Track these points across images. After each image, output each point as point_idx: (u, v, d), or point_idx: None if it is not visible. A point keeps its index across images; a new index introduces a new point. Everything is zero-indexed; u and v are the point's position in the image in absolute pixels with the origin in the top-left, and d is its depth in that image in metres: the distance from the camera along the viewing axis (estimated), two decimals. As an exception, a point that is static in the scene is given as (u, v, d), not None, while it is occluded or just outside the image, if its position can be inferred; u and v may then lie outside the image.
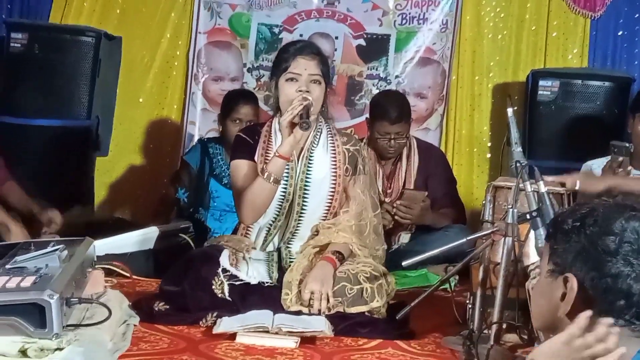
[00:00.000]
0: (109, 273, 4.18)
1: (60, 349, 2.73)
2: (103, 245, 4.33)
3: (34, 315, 2.74)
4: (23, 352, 2.70)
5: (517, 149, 3.69)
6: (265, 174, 3.91)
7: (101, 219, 5.62)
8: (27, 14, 6.34)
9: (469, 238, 3.71)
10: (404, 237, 5.19)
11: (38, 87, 5.62)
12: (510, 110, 3.86)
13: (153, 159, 6.41)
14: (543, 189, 3.46)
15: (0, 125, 5.61)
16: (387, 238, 4.63)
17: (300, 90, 3.96)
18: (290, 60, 4.02)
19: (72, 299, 2.91)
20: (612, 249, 1.94)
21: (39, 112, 5.66)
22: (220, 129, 5.52)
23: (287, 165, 4.02)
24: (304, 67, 4.00)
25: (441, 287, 4.38)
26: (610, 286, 1.94)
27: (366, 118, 5.42)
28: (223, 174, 5.37)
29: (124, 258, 4.46)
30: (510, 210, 3.45)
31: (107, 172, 6.38)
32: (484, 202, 3.90)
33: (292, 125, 3.90)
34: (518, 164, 3.57)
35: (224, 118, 5.46)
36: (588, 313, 1.94)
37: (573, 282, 1.97)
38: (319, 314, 3.71)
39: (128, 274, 4.35)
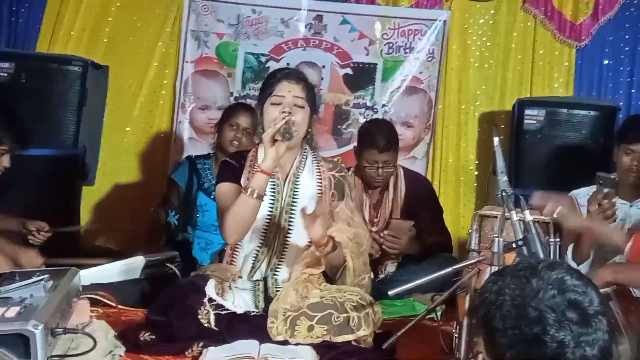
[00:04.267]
0: (94, 303, 4.14)
1: (44, 380, 2.72)
2: (89, 275, 4.32)
3: (19, 346, 2.73)
4: (7, 384, 2.69)
5: (503, 178, 3.69)
6: (249, 190, 3.89)
7: (87, 248, 5.58)
8: (15, 42, 6.34)
9: (454, 267, 3.70)
10: (391, 267, 5.19)
11: (25, 116, 5.57)
12: (496, 140, 3.87)
13: (140, 187, 6.40)
14: (529, 217, 3.46)
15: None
16: (373, 267, 4.64)
17: (283, 112, 3.97)
18: (276, 85, 4.06)
19: (57, 329, 2.91)
20: (536, 332, 1.91)
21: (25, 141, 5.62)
22: (216, 136, 5.51)
23: (273, 188, 4.03)
24: (287, 89, 4.03)
25: (427, 317, 4.39)
26: None
27: (354, 147, 5.43)
28: (212, 187, 5.34)
29: (109, 288, 4.43)
30: (496, 239, 3.45)
31: (93, 200, 6.36)
32: (470, 231, 3.91)
33: (274, 141, 3.90)
34: (504, 193, 3.58)
35: (221, 124, 5.48)
36: None
37: None
38: None
39: (114, 304, 4.32)
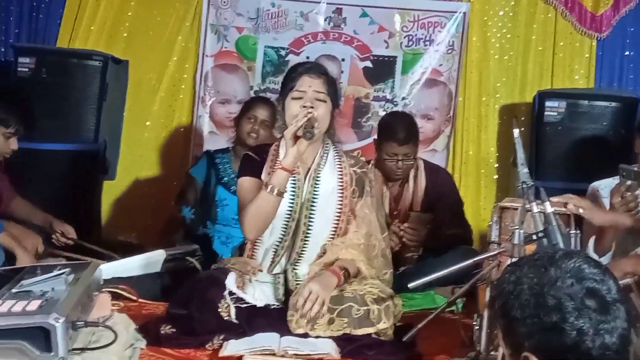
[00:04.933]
0: (115, 297, 4.15)
1: (66, 373, 2.73)
2: (109, 269, 4.33)
3: (40, 339, 2.74)
4: (28, 376, 2.70)
5: (524, 170, 3.68)
6: (269, 187, 3.90)
7: (108, 242, 5.59)
8: (35, 38, 6.37)
9: (475, 259, 3.71)
10: (411, 260, 5.19)
11: (45, 111, 5.60)
12: (516, 131, 3.86)
13: (160, 182, 6.42)
14: (549, 209, 3.45)
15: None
16: (393, 260, 4.62)
17: (304, 106, 3.97)
18: (297, 80, 4.04)
19: (78, 322, 2.92)
20: (555, 320, 1.90)
21: (46, 136, 5.64)
22: (235, 130, 5.52)
23: (294, 183, 4.03)
24: (309, 84, 4.01)
25: (448, 309, 4.39)
26: (568, 351, 1.92)
27: (374, 139, 5.42)
28: (231, 182, 5.36)
29: (130, 282, 4.44)
30: (517, 231, 3.44)
31: (114, 194, 6.38)
32: (490, 223, 3.90)
33: (296, 137, 3.90)
34: (524, 185, 3.57)
35: (239, 118, 5.50)
36: None
37: None
38: (306, 317, 3.72)
39: (135, 298, 4.33)
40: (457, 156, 6.42)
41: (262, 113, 5.41)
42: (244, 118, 5.45)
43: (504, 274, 2.07)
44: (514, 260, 3.43)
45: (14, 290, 3.08)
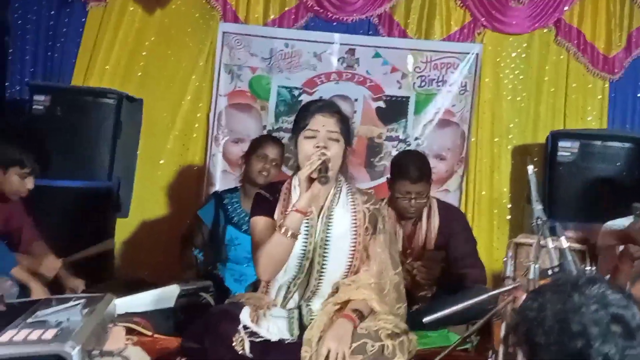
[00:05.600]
0: (129, 332, 4.14)
1: (82, 402, 2.72)
2: (124, 304, 4.33)
3: (56, 366, 2.73)
4: (45, 405, 2.69)
5: (538, 207, 3.69)
6: (283, 229, 3.89)
7: (121, 279, 5.60)
8: (50, 77, 6.43)
9: (490, 294, 3.70)
10: (424, 298, 5.17)
11: (60, 148, 5.62)
12: (530, 168, 3.87)
13: (173, 220, 6.42)
14: (565, 244, 3.44)
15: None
16: (407, 298, 4.60)
17: (317, 147, 3.96)
18: (309, 118, 4.03)
19: (93, 352, 2.90)
20: (580, 346, 1.91)
21: (60, 173, 5.65)
22: (243, 168, 5.51)
23: (307, 223, 4.01)
24: (322, 124, 4.01)
25: (462, 348, 4.39)
26: None
27: (387, 178, 5.43)
28: (242, 221, 5.37)
29: (144, 316, 4.44)
30: (532, 265, 3.43)
31: (127, 232, 6.40)
32: (505, 259, 3.91)
33: (310, 180, 3.90)
34: (539, 220, 3.57)
35: (249, 155, 5.47)
36: None
37: None
38: None
39: (149, 332, 4.31)
40: (470, 196, 6.43)
41: (272, 152, 5.41)
42: (253, 156, 5.44)
43: (525, 301, 2.06)
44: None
45: (29, 321, 3.07)
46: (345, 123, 4.13)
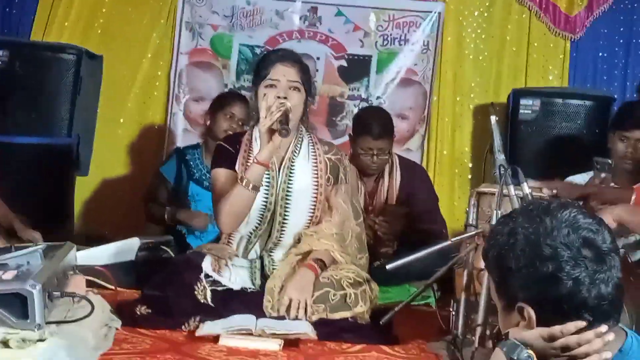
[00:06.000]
0: (90, 285, 4.09)
1: (43, 340, 2.69)
2: (83, 256, 4.26)
3: (16, 305, 2.71)
4: (4, 343, 2.66)
5: (501, 156, 3.70)
6: (244, 181, 3.88)
7: (80, 236, 5.55)
8: (9, 31, 6.32)
9: (453, 240, 3.72)
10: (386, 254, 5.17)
11: (19, 105, 5.56)
12: (493, 118, 3.88)
13: (133, 179, 6.36)
14: (527, 190, 3.47)
15: (-20, 143, 5.57)
16: (370, 255, 4.60)
17: (278, 97, 3.94)
18: (270, 68, 4.02)
19: (54, 292, 2.88)
20: (552, 269, 1.91)
21: (19, 129, 5.59)
22: (208, 123, 5.46)
23: (268, 174, 4.00)
24: (282, 73, 4.00)
25: (423, 303, 4.39)
26: (563, 301, 1.92)
27: (349, 134, 5.42)
28: (204, 177, 5.35)
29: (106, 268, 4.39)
30: (495, 212, 3.45)
31: (87, 191, 6.34)
32: (467, 209, 3.90)
33: (271, 131, 3.88)
34: (502, 168, 3.58)
35: (215, 112, 5.42)
36: (580, 324, 1.92)
37: (529, 311, 1.94)
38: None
39: (112, 286, 4.25)
40: (432, 155, 6.43)
41: (239, 111, 5.37)
42: (220, 114, 5.39)
43: (496, 226, 2.06)
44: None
45: (-12, 264, 3.04)
46: (306, 72, 4.12)
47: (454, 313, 3.68)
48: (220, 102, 5.50)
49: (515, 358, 1.91)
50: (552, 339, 1.93)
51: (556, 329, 1.92)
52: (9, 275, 2.83)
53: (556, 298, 1.91)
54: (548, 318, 1.93)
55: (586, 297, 1.90)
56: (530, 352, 1.91)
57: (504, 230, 1.99)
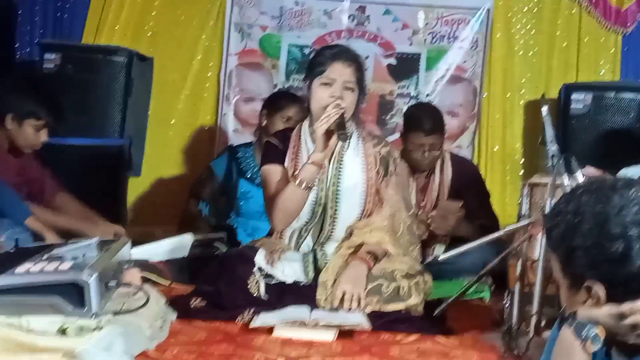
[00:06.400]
0: (144, 282, 4.11)
1: (100, 329, 2.72)
2: (137, 253, 4.32)
3: (73, 295, 2.74)
4: (62, 331, 2.70)
5: (553, 146, 3.68)
6: (297, 181, 3.90)
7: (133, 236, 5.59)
8: (61, 35, 6.38)
9: (507, 229, 3.70)
10: (439, 249, 5.14)
11: (71, 107, 5.60)
12: (544, 109, 3.86)
13: (185, 180, 6.38)
14: (581, 179, 3.44)
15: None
16: (421, 250, 4.59)
17: (333, 96, 3.94)
18: (327, 65, 4.01)
19: (110, 283, 2.90)
20: (621, 249, 1.88)
21: (72, 131, 5.63)
22: (264, 123, 5.43)
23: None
24: (339, 73, 3.98)
25: (477, 297, 4.38)
26: (632, 280, 1.89)
27: (400, 131, 5.41)
28: (255, 175, 5.34)
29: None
30: (548, 200, 3.42)
31: (138, 192, 6.39)
32: (520, 200, 3.88)
33: (328, 133, 3.88)
34: (554, 159, 3.56)
35: (272, 113, 5.38)
36: None
37: (598, 290, 1.92)
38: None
39: (166, 282, 4.29)
40: (482, 152, 6.40)
41: (296, 114, 5.34)
42: (277, 116, 5.34)
43: (558, 204, 2.03)
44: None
45: (45, 257, 3.08)
46: (361, 72, 4.12)
47: (507, 304, 3.66)
48: (277, 104, 5.45)
49: (584, 337, 1.88)
50: (621, 317, 1.90)
51: (625, 306, 1.90)
52: (65, 265, 2.86)
53: (625, 277, 1.88)
54: (616, 296, 1.91)
55: None
56: (599, 330, 1.89)
57: (568, 208, 1.96)
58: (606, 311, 1.91)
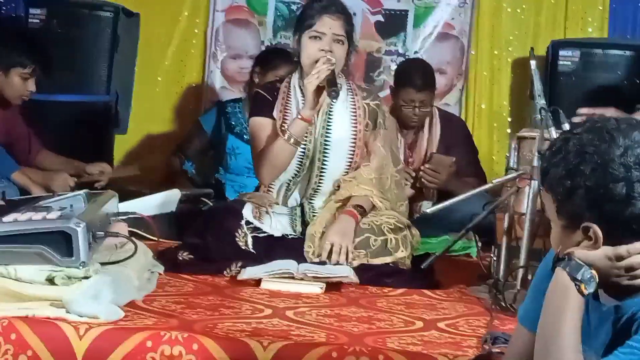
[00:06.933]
0: (131, 236, 4.10)
1: (87, 278, 2.72)
2: (125, 207, 4.28)
3: (61, 243, 2.73)
4: (50, 280, 2.70)
5: (541, 101, 3.68)
6: (286, 135, 3.89)
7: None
8: (44, -7, 6.32)
9: (495, 182, 3.71)
10: (426, 205, 5.13)
11: (57, 63, 5.55)
12: (533, 63, 3.87)
13: (172, 137, 6.36)
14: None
15: (19, 101, 5.59)
16: (409, 209, 4.58)
17: (322, 50, 3.93)
18: (316, 18, 3.99)
19: (98, 233, 2.89)
20: (625, 190, 1.85)
21: (57, 87, 5.58)
22: (257, 80, 5.35)
23: (307, 123, 4.00)
24: (328, 26, 3.97)
25: (464, 253, 4.39)
26: (633, 221, 1.88)
27: (390, 86, 5.39)
28: (244, 130, 5.32)
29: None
30: (537, 154, 3.43)
31: (125, 149, 6.36)
32: (507, 153, 3.89)
33: (318, 89, 3.87)
34: (542, 111, 3.56)
35: (265, 72, 5.33)
36: None
37: (596, 230, 1.90)
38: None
39: (154, 236, 4.27)
40: (470, 110, 6.37)
41: (288, 73, 5.27)
42: (269, 75, 5.24)
43: (557, 141, 2.00)
44: (535, 186, 3.43)
45: (33, 207, 3.06)
46: (350, 24, 4.11)
47: (495, 258, 3.67)
48: (271, 62, 5.38)
49: (579, 278, 1.88)
50: (618, 258, 1.89)
51: (623, 248, 1.89)
52: (53, 215, 2.86)
53: (626, 218, 1.86)
54: (614, 238, 1.89)
55: None
56: (594, 272, 1.89)
57: (569, 147, 1.93)
58: (603, 252, 1.90)
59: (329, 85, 3.83)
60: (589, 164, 1.88)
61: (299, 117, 3.91)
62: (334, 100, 3.95)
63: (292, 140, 3.89)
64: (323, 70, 3.85)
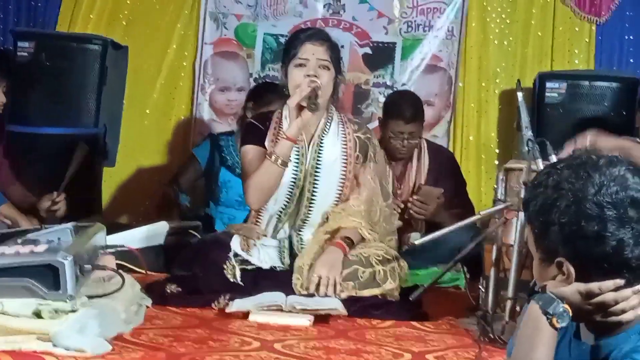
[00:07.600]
0: (119, 269, 4.08)
1: (75, 311, 2.71)
2: (113, 240, 4.28)
3: (48, 277, 2.73)
4: (37, 314, 2.68)
5: (529, 132, 3.70)
6: (273, 156, 3.91)
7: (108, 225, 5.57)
8: (35, 23, 6.35)
9: (482, 213, 3.71)
10: (414, 237, 5.14)
11: (45, 95, 5.58)
12: (520, 95, 3.89)
13: (161, 169, 6.38)
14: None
15: (7, 133, 5.57)
16: (398, 240, 4.58)
17: (308, 75, 3.96)
18: (299, 47, 4.03)
19: (85, 266, 2.89)
20: (597, 229, 1.86)
21: (46, 120, 5.61)
22: (250, 114, 5.26)
23: (298, 151, 4.02)
24: (312, 52, 4.01)
25: (453, 285, 4.39)
26: (605, 260, 1.89)
27: (379, 118, 5.40)
28: (236, 164, 5.32)
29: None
30: (525, 186, 3.43)
31: (114, 182, 6.36)
32: (495, 186, 3.89)
33: (300, 107, 3.90)
34: (530, 143, 3.57)
35: (258, 108, 5.28)
36: (619, 282, 1.89)
37: (569, 267, 1.91)
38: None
39: (142, 270, 4.25)
40: (458, 142, 6.39)
41: (280, 107, 5.28)
42: (262, 110, 5.22)
43: (539, 177, 2.01)
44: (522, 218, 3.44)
45: (19, 240, 3.06)
46: (335, 51, 4.14)
47: (483, 290, 3.68)
48: (265, 97, 5.32)
49: (551, 312, 1.88)
50: (589, 295, 1.90)
51: (594, 285, 1.89)
52: (40, 248, 2.85)
53: (598, 256, 1.87)
54: (587, 275, 1.90)
55: (629, 258, 1.87)
56: (566, 306, 1.89)
57: (548, 182, 1.94)
58: (575, 288, 1.91)
59: (309, 100, 3.85)
60: (564, 200, 1.89)
61: (284, 137, 3.93)
62: (325, 128, 3.99)
63: (279, 161, 3.91)
64: (304, 89, 3.88)
